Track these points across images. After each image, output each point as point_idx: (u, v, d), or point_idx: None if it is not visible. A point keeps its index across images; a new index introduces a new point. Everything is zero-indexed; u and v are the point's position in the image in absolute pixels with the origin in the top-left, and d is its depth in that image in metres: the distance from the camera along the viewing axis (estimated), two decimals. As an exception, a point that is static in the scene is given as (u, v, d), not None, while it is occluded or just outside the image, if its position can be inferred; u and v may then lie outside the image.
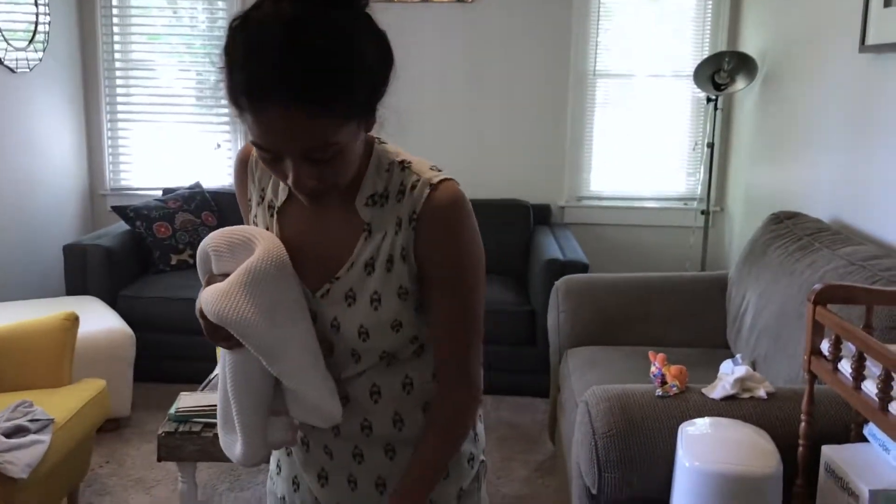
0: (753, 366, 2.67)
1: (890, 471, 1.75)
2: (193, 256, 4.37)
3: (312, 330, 1.21)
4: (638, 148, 4.67)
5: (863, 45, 2.88)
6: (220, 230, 1.25)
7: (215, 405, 2.62)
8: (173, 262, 4.36)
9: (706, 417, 1.99)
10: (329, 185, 1.11)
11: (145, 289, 4.11)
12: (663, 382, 2.16)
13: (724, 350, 3.05)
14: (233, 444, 1.29)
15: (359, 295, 1.20)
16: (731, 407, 2.06)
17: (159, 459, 2.59)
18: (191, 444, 2.57)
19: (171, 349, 3.99)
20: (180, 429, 2.59)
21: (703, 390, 2.13)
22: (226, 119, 4.83)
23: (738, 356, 2.84)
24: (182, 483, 2.65)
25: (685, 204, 4.65)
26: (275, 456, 1.43)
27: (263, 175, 1.29)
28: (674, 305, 3.26)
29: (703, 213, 4.40)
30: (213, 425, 2.58)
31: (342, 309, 1.21)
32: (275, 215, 1.27)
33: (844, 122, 3.10)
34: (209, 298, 1.15)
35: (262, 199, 1.29)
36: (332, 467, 1.31)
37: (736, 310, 3.02)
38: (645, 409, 2.09)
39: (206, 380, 2.98)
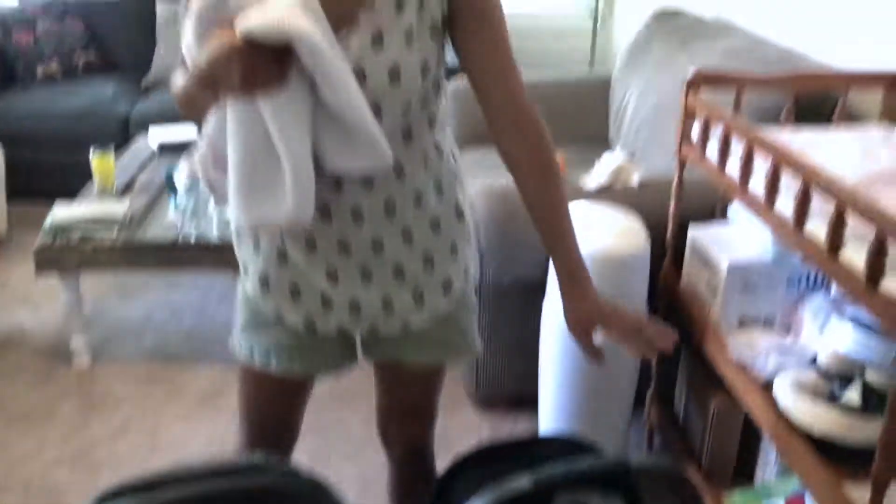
0: (632, 157, 2.75)
1: (747, 246, 1.87)
2: (61, 67, 4.10)
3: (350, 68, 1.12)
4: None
5: None
6: None
7: (96, 216, 2.56)
8: (39, 74, 4.07)
9: (580, 202, 2.06)
10: None
11: (11, 104, 3.85)
12: (543, 174, 2.20)
13: (607, 146, 3.13)
14: (275, 205, 1.12)
15: (388, 35, 1.14)
16: (605, 195, 2.13)
17: (38, 271, 2.52)
18: (71, 255, 2.51)
19: (44, 166, 3.81)
20: (58, 240, 2.51)
21: (579, 182, 2.18)
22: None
23: (617, 148, 2.93)
24: (66, 294, 2.60)
25: (575, 7, 4.58)
26: (256, 275, 1.33)
27: None
28: (560, 106, 3.28)
29: (592, 15, 4.36)
30: (92, 237, 2.52)
31: (367, 55, 1.14)
32: None
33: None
34: (261, 16, 1.00)
35: None
36: (343, 263, 1.27)
37: (618, 106, 3.07)
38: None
39: (82, 192, 2.87)
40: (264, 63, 1.02)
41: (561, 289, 1.30)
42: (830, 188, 1.32)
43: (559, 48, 4.56)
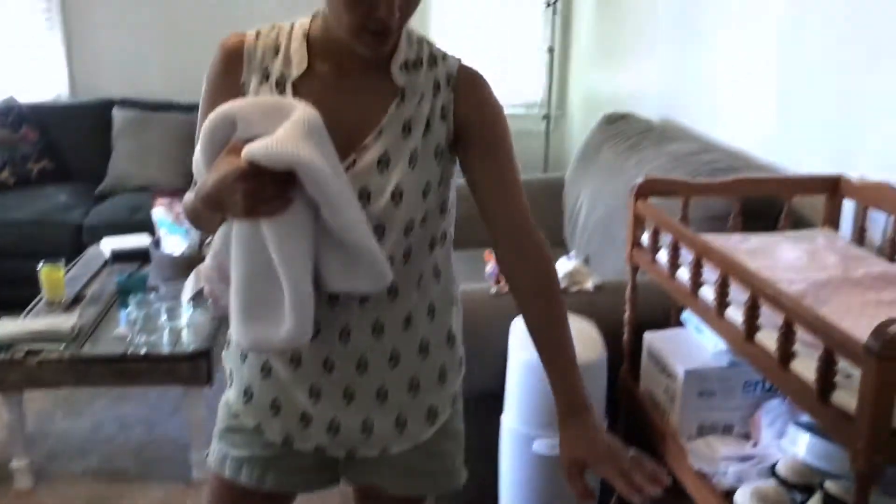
0: (587, 261, 2.76)
1: (703, 352, 1.87)
2: (14, 177, 4.06)
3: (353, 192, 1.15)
4: (480, 54, 4.65)
5: (687, -54, 2.94)
6: (237, 100, 1.15)
7: (42, 330, 2.49)
8: (-10, 183, 4.04)
9: (537, 312, 2.05)
10: (400, 24, 1.13)
11: (-41, 213, 3.80)
12: (498, 281, 2.20)
13: (562, 249, 3.15)
14: (275, 327, 1.12)
15: (394, 157, 1.18)
16: (561, 301, 2.13)
17: (-21, 390, 2.43)
18: (14, 373, 2.43)
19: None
20: (1, 356, 2.43)
21: (536, 286, 2.18)
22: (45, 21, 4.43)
23: (571, 253, 2.94)
24: (8, 414, 2.51)
25: (528, 109, 4.71)
26: (240, 385, 1.32)
27: (266, 55, 1.22)
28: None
29: (544, 117, 4.47)
30: (38, 351, 2.44)
31: (373, 176, 1.17)
32: (288, 90, 1.20)
33: (669, 21, 3.18)
34: (266, 145, 1.03)
35: (267, 78, 1.22)
36: (326, 382, 1.25)
37: (571, 209, 3.11)
38: (480, 308, 2.13)
39: (31, 305, 2.81)
40: (268, 189, 1.05)
41: (559, 420, 1.25)
42: (778, 300, 1.33)
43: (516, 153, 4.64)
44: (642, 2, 3.50)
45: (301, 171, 1.04)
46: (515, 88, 4.70)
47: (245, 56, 1.22)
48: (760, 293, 1.39)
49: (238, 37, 1.24)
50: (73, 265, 3.17)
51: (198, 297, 2.52)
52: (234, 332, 1.17)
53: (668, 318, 2.11)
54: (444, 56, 1.24)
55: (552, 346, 1.26)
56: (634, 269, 2.01)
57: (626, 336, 2.04)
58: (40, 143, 4.18)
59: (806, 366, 1.30)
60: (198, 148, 1.13)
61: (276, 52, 1.21)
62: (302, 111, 1.09)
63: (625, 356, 2.06)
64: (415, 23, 1.19)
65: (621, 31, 3.79)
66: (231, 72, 1.22)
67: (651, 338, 1.98)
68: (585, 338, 1.96)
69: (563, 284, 2.15)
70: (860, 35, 2.04)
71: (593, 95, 4.26)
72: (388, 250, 1.17)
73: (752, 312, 1.43)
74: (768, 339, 1.40)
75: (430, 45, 1.25)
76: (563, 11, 4.47)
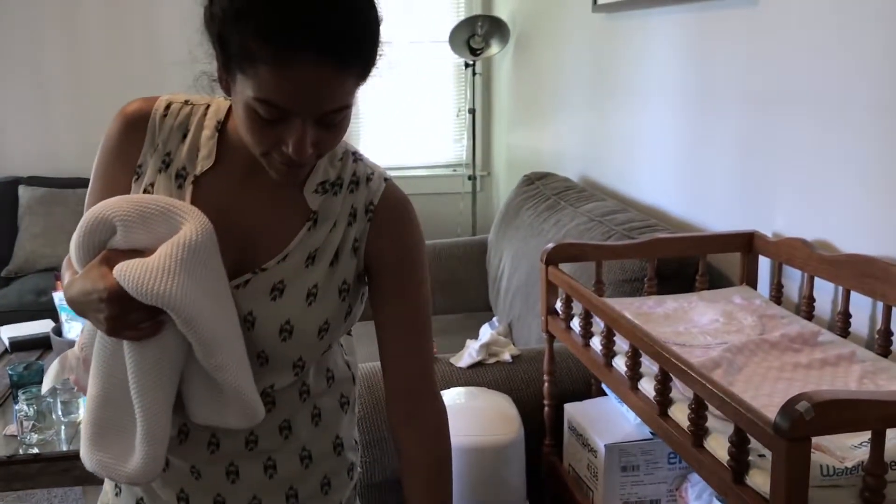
0: (510, 327, 2.68)
1: (625, 423, 1.78)
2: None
3: (237, 319, 1.02)
4: (403, 117, 4.61)
5: (595, 5, 2.94)
6: (123, 198, 1.01)
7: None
8: None
9: (451, 389, 1.95)
10: (317, 157, 0.98)
11: None
12: (413, 356, 2.09)
13: (489, 313, 3.06)
14: (120, 460, 1.02)
15: (290, 288, 1.05)
16: (477, 374, 2.03)
17: None
18: None
19: None
20: None
21: (451, 359, 2.08)
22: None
23: (494, 319, 2.86)
24: None
25: (454, 170, 4.66)
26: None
27: (172, 137, 1.08)
28: (438, 272, 3.23)
29: (470, 178, 4.43)
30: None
31: (263, 303, 1.04)
32: (187, 186, 1.06)
33: (585, 82, 3.18)
34: (137, 274, 0.92)
35: (167, 165, 1.07)
36: (195, 487, 1.12)
37: (494, 272, 3.04)
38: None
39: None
40: (135, 314, 0.94)
41: None
42: (688, 375, 1.25)
43: (440, 212, 4.58)
44: (556, 65, 3.50)
45: (171, 311, 0.93)
46: (440, 148, 4.66)
47: (148, 131, 1.07)
48: (670, 367, 1.31)
49: (143, 104, 1.09)
50: (-32, 356, 2.96)
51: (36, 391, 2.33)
52: (81, 449, 1.04)
53: (590, 385, 2.03)
54: (370, 178, 1.10)
55: None
56: (551, 339, 1.92)
57: (547, 410, 1.95)
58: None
59: (720, 443, 1.22)
60: (73, 238, 1.00)
61: (184, 136, 1.07)
62: (189, 229, 0.97)
63: (547, 430, 1.96)
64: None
65: (540, 92, 3.78)
66: (128, 147, 1.08)
67: (572, 410, 1.89)
68: (501, 415, 1.86)
69: (479, 357, 2.06)
70: (764, 96, 2.02)
71: (517, 155, 4.23)
72: (269, 379, 1.07)
73: (663, 387, 1.34)
74: (682, 413, 1.32)
75: (358, 162, 1.11)
76: (483, 73, 4.46)
